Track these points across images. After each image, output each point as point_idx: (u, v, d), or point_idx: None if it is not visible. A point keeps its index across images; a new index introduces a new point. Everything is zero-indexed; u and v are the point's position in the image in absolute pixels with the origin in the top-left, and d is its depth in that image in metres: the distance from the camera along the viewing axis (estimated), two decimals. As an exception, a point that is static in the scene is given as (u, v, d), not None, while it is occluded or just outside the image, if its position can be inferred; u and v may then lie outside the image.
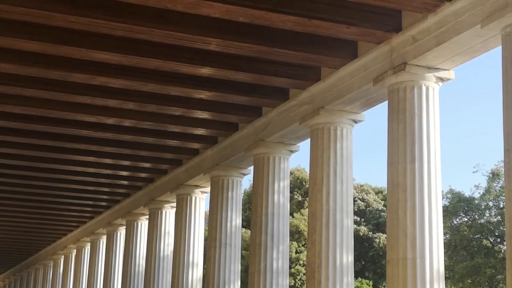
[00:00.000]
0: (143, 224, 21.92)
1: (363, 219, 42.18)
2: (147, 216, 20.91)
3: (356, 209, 42.20)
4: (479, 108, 73.88)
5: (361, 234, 41.16)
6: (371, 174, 74.79)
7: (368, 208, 43.25)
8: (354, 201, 42.02)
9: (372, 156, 74.85)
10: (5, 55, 11.98)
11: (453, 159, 65.45)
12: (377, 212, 42.54)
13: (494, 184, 39.05)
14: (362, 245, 41.21)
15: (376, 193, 44.49)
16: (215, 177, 16.45)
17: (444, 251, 13.02)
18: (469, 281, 37.21)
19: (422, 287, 9.99)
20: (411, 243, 10.12)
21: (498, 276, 36.31)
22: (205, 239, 18.57)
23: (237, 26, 10.82)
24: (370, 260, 41.91)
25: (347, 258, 12.10)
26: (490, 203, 39.44)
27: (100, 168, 19.34)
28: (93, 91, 13.62)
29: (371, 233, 41.67)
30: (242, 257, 30.97)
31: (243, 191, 30.25)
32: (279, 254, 14.15)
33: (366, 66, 11.45)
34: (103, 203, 24.01)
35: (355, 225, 41.21)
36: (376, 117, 59.79)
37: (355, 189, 43.48)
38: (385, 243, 23.30)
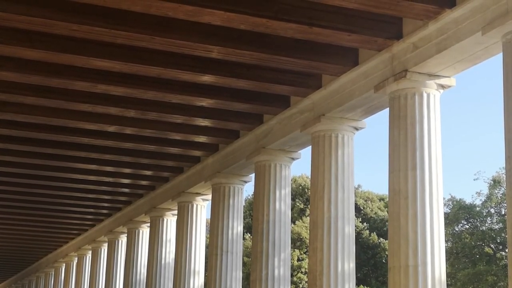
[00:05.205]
0: (144, 232, 21.91)
1: (366, 227, 42.10)
2: (149, 224, 20.89)
3: (361, 217, 42.18)
4: (480, 115, 73.92)
5: (371, 241, 41.07)
6: (376, 181, 74.87)
7: (372, 216, 43.22)
8: (360, 209, 42.13)
9: (377, 162, 74.92)
10: (7, 63, 12.00)
11: (453, 166, 65.48)
12: (381, 221, 42.48)
13: (496, 191, 39.07)
14: (365, 253, 41.15)
15: (379, 200, 44.50)
16: (216, 185, 16.44)
17: (446, 259, 13.05)
18: (471, 288, 37.18)
19: (423, 295, 9.99)
20: (412, 251, 10.11)
21: (500, 283, 36.25)
22: (207, 247, 18.56)
23: (238, 33, 10.84)
24: (373, 267, 41.85)
25: (349, 265, 12.09)
26: (492, 210, 39.44)
27: (101, 176, 19.34)
28: (94, 99, 13.64)
29: (375, 239, 41.59)
30: (244, 264, 30.94)
31: (244, 199, 30.24)
32: (281, 261, 14.14)
33: (367, 74, 11.46)
34: (105, 211, 24.00)
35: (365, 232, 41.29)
36: (385, 122, 59.83)
37: (360, 197, 43.48)
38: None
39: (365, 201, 44.08)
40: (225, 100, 13.49)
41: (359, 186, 45.83)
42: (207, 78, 12.43)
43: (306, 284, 29.46)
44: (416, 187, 10.30)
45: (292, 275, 37.01)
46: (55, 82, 12.72)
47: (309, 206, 34.34)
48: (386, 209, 41.92)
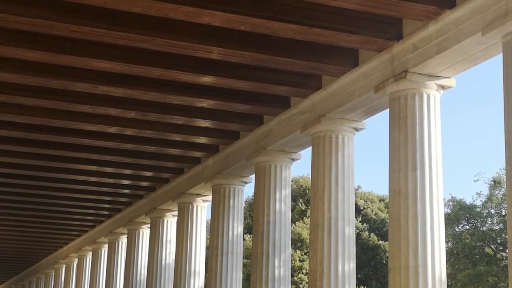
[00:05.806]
0: (144, 233, 21.91)
1: (366, 228, 42.07)
2: (149, 225, 20.90)
3: (361, 218, 42.15)
4: (480, 115, 73.92)
5: (371, 242, 41.03)
6: (376, 181, 74.94)
7: (372, 217, 43.20)
8: (360, 210, 42.10)
9: (377, 163, 74.93)
10: (7, 64, 12.00)
11: (454, 167, 65.48)
12: (382, 221, 42.46)
13: (496, 192, 39.07)
14: (366, 254, 41.12)
15: (380, 201, 44.47)
16: (217, 186, 16.45)
17: (446, 259, 13.05)
18: (472, 289, 37.17)
19: (424, 295, 9.99)
20: (413, 251, 10.11)
21: (501, 284, 36.25)
22: (207, 248, 18.57)
23: (238, 34, 10.84)
24: (373, 268, 41.82)
25: (349, 266, 12.09)
26: (492, 211, 39.44)
27: (102, 177, 19.35)
28: (95, 100, 13.64)
29: (374, 239, 41.57)
30: (244, 265, 30.93)
31: (244, 200, 30.21)
32: (281, 262, 14.14)
33: (367, 74, 11.46)
34: (105, 212, 24.00)
35: (364, 233, 41.25)
36: (385, 123, 59.78)
37: (360, 198, 43.44)
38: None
39: (365, 202, 44.04)
40: (225, 101, 13.49)
41: (359, 187, 45.82)
42: (207, 79, 12.44)
43: (307, 284, 29.43)
44: (416, 187, 10.30)
45: (293, 276, 36.99)
46: (55, 83, 12.72)
47: (310, 206, 34.26)
48: (386, 210, 41.90)
